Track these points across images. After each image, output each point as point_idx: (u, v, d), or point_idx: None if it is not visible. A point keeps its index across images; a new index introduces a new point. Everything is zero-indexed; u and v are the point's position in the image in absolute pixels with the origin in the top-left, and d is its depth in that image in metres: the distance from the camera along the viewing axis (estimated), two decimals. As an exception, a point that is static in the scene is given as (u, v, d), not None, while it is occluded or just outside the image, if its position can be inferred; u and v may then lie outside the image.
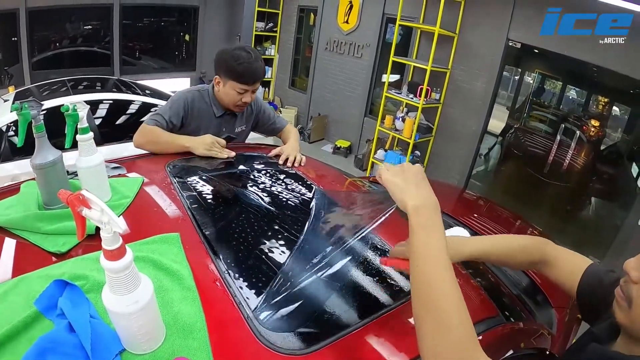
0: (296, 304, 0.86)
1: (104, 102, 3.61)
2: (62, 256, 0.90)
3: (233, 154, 1.62)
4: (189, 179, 1.35)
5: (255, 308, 0.82)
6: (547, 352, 1.16)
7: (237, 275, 0.90)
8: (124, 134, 3.46)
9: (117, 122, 3.70)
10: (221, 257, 0.95)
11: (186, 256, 0.91)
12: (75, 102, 1.03)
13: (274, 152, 1.72)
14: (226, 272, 0.90)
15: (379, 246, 1.13)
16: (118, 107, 3.67)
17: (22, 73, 5.80)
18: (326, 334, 0.80)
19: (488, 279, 1.34)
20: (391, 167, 0.77)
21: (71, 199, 0.53)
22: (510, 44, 4.29)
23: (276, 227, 1.12)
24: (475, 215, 2.29)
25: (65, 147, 1.06)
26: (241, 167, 1.58)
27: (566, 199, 4.62)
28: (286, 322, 0.81)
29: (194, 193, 1.25)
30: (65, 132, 1.06)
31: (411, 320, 0.88)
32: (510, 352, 0.99)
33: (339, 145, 6.22)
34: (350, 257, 1.04)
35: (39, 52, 6.05)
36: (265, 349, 0.73)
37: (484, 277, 1.31)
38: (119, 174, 1.32)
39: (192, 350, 0.69)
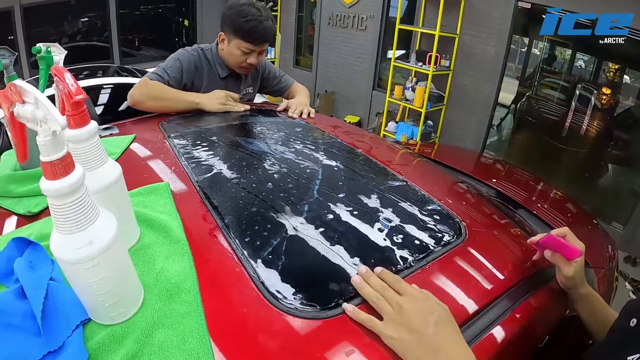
0: (315, 258, 0.71)
1: (105, 87, 3.53)
2: (34, 218, 0.80)
3: (247, 107, 1.52)
4: (183, 133, 1.23)
5: (264, 261, 0.67)
6: None
7: (238, 224, 0.76)
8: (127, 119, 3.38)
9: (120, 109, 3.61)
10: (218, 204, 0.82)
11: (176, 206, 0.79)
12: (49, 44, 0.92)
13: (281, 106, 1.61)
14: (224, 220, 0.77)
15: (407, 195, 0.98)
16: (120, 92, 3.58)
17: (22, 72, 5.72)
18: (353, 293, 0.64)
19: (524, 229, 1.20)
20: (387, 298, 0.55)
21: (1, 97, 0.40)
22: (520, 5, 4.06)
23: (284, 173, 0.99)
24: (494, 180, 2.13)
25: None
26: (243, 120, 1.45)
27: (584, 166, 4.47)
28: (304, 279, 0.66)
29: (188, 143, 1.13)
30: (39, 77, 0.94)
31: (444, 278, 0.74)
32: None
33: (348, 121, 6.03)
34: (373, 206, 0.88)
35: (37, 50, 5.95)
36: (277, 313, 0.58)
37: (521, 226, 1.17)
38: (110, 134, 1.21)
39: (178, 317, 0.54)
